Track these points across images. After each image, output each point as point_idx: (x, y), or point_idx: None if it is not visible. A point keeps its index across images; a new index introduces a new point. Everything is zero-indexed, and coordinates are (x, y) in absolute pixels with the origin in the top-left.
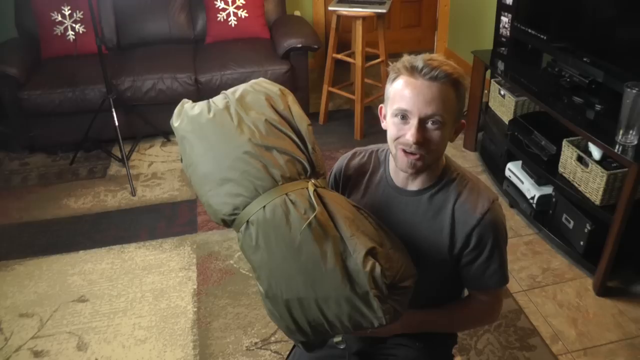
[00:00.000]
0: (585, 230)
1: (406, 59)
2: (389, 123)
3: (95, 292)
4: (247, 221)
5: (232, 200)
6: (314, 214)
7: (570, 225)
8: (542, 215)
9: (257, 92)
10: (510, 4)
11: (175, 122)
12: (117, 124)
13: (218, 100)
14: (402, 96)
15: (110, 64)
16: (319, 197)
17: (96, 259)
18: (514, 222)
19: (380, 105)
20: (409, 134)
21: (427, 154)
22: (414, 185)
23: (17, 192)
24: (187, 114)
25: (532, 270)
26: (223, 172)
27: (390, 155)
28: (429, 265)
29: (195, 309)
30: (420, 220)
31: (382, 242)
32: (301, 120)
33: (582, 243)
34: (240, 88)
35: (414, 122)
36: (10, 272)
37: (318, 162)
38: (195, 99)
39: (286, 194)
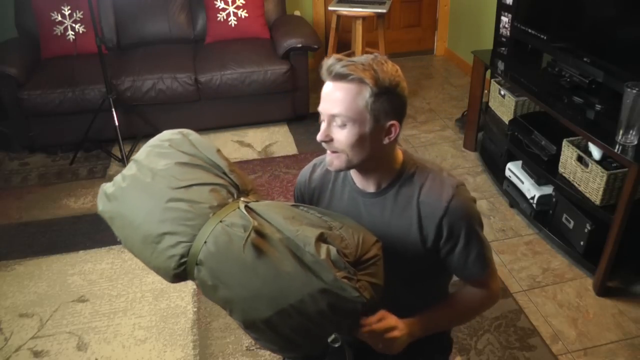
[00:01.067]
0: (585, 230)
1: (326, 61)
2: None
3: (95, 292)
4: (197, 264)
5: (174, 251)
6: (251, 227)
7: (570, 225)
8: (542, 215)
9: (160, 143)
10: (510, 4)
11: (99, 207)
12: (117, 124)
13: (128, 169)
14: (320, 99)
15: (110, 64)
16: (252, 210)
17: (96, 259)
18: (514, 222)
19: None
20: (319, 133)
21: (348, 152)
22: (371, 187)
23: (17, 192)
24: (105, 194)
25: (532, 270)
26: (156, 230)
27: None
28: (408, 263)
29: (195, 309)
30: (388, 219)
31: (330, 226)
32: (209, 149)
33: (582, 243)
34: (143, 148)
35: (323, 123)
36: (10, 272)
37: (241, 181)
38: (195, 98)
39: (221, 221)
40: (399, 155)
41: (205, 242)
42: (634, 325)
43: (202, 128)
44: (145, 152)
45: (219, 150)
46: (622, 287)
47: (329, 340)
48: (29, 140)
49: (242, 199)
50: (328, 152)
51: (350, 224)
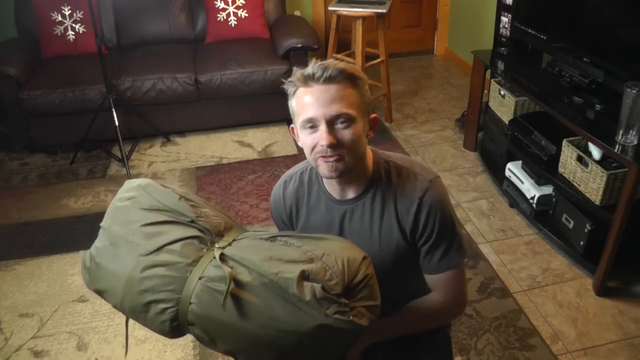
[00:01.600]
0: (585, 230)
1: (298, 72)
2: (302, 137)
3: None
4: (189, 324)
5: (163, 317)
6: (228, 281)
7: (570, 225)
8: (542, 215)
9: (122, 204)
10: (510, 4)
11: (85, 280)
12: (117, 124)
13: (98, 240)
14: (304, 106)
15: (110, 64)
16: (229, 258)
17: None
18: (514, 222)
19: (291, 126)
20: (321, 138)
21: (347, 154)
22: (351, 193)
23: (17, 192)
24: (85, 267)
25: (532, 270)
26: (140, 301)
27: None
28: (396, 264)
29: None
30: (369, 224)
31: (310, 258)
32: (170, 199)
33: (582, 243)
34: (108, 211)
35: (322, 127)
36: (10, 272)
37: (212, 224)
38: (195, 98)
39: (200, 277)
40: (369, 153)
41: (190, 302)
42: (634, 325)
43: (202, 128)
44: (110, 216)
45: (181, 197)
46: (622, 287)
47: None
48: (29, 140)
49: (216, 245)
50: (325, 159)
51: (332, 248)
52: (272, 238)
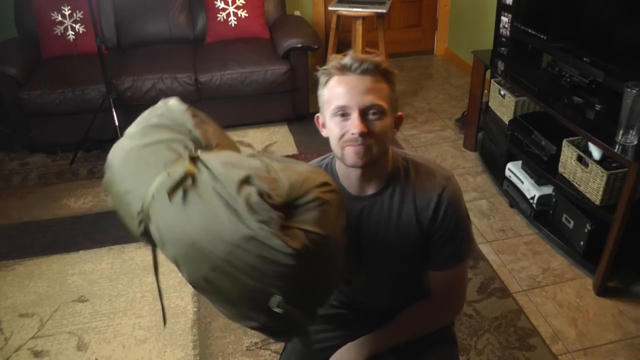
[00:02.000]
0: (585, 230)
1: (335, 60)
2: (330, 125)
3: (95, 292)
4: (149, 220)
5: (133, 208)
6: (182, 174)
7: (570, 225)
8: (542, 215)
9: (146, 113)
10: (510, 4)
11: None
12: (117, 124)
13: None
14: (338, 95)
15: (110, 64)
16: (198, 160)
17: (96, 259)
18: (514, 222)
19: (317, 115)
20: (352, 127)
21: (374, 145)
22: (371, 189)
23: (17, 192)
24: (106, 164)
25: (532, 270)
26: (123, 188)
27: (338, 165)
28: (410, 260)
29: (195, 309)
30: (387, 219)
31: (268, 169)
32: (177, 109)
33: (582, 243)
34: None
35: (355, 115)
36: (10, 272)
37: (206, 137)
38: (195, 98)
39: (168, 173)
40: (389, 151)
41: (153, 196)
42: (634, 325)
43: None
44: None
45: (188, 108)
46: (622, 287)
47: (270, 303)
48: (29, 140)
49: (199, 151)
50: (353, 147)
51: (298, 168)
52: (259, 153)
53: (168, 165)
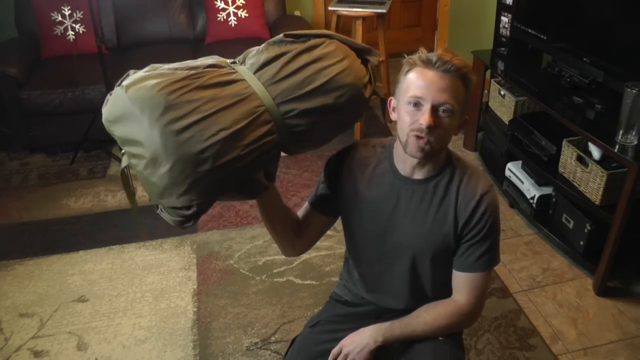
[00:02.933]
0: (585, 230)
1: (421, 53)
2: (402, 111)
3: (95, 292)
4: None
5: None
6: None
7: (570, 225)
8: (542, 215)
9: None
10: (510, 4)
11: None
12: None
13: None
14: (416, 85)
15: (110, 64)
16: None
17: (96, 259)
18: (514, 222)
19: (390, 97)
20: (422, 118)
21: (436, 140)
22: (420, 174)
23: (17, 192)
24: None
25: (532, 270)
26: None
27: (396, 146)
28: (436, 253)
29: (195, 309)
30: (427, 206)
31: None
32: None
33: (582, 243)
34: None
35: (427, 107)
36: (10, 272)
37: (219, 60)
38: None
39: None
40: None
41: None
42: (634, 325)
43: None
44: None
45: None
46: (622, 287)
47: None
48: (29, 140)
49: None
50: (418, 139)
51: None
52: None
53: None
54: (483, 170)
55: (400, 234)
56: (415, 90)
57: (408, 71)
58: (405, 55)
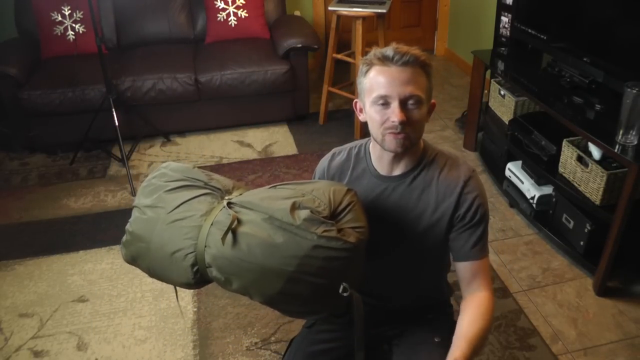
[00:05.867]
0: (585, 230)
1: (376, 51)
2: (371, 112)
3: (95, 292)
4: (207, 267)
5: (185, 263)
6: (231, 219)
7: (570, 225)
8: (542, 215)
9: (147, 183)
10: (510, 4)
11: (123, 256)
12: (117, 124)
13: (132, 216)
14: (379, 84)
15: (110, 64)
16: (234, 204)
17: (96, 259)
18: (514, 222)
19: (355, 100)
20: (393, 115)
21: (412, 132)
22: (398, 170)
23: (17, 192)
24: (123, 243)
25: (532, 270)
26: (167, 251)
27: (371, 146)
28: (422, 244)
29: (195, 309)
30: (407, 201)
31: (302, 194)
32: (185, 169)
33: (582, 243)
34: (138, 192)
35: (395, 104)
36: (10, 272)
37: (221, 184)
38: (195, 99)
39: (212, 224)
40: (421, 140)
41: (206, 246)
42: (634, 325)
43: (202, 128)
44: (139, 194)
45: (195, 167)
46: (622, 287)
47: (340, 291)
48: (29, 140)
49: (226, 197)
50: (394, 135)
51: (321, 186)
52: (273, 187)
53: (206, 217)
54: (483, 170)
55: (386, 232)
56: (380, 90)
57: (367, 71)
58: (374, 47)
